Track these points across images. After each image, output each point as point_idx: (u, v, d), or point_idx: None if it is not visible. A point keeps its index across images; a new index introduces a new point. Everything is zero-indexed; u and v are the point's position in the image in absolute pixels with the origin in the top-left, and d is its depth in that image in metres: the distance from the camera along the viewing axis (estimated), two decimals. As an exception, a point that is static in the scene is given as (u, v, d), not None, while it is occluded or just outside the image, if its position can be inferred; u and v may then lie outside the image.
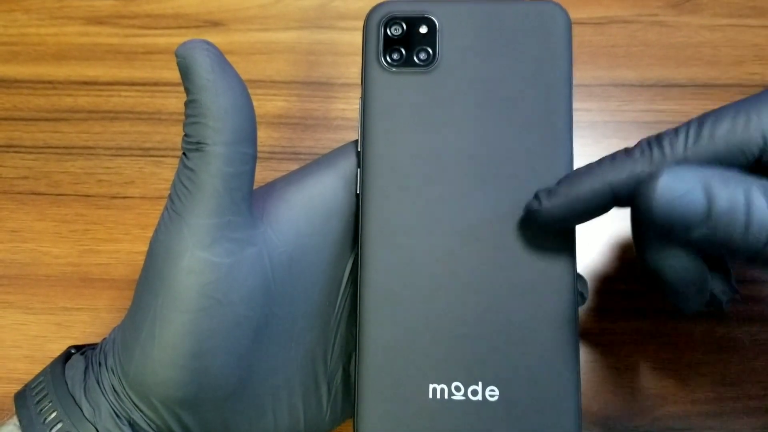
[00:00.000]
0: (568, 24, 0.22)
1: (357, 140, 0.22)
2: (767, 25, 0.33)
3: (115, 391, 0.20)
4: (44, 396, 0.21)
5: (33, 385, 0.21)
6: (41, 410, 0.20)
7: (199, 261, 0.19)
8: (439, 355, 0.21)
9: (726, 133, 0.18)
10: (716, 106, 0.19)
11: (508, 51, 0.22)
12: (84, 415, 0.20)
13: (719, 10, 0.34)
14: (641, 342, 0.29)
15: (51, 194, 0.33)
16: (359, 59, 0.23)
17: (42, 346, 0.31)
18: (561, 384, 0.21)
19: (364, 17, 0.23)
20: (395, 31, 0.22)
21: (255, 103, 0.21)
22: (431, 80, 0.22)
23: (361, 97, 0.22)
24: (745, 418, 0.28)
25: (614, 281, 0.30)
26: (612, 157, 0.19)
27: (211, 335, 0.19)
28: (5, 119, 0.34)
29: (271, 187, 0.22)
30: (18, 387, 0.22)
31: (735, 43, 0.33)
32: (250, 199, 0.21)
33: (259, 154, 0.21)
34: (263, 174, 0.32)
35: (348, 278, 0.23)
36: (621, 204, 0.19)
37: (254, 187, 0.21)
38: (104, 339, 0.22)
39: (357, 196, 0.22)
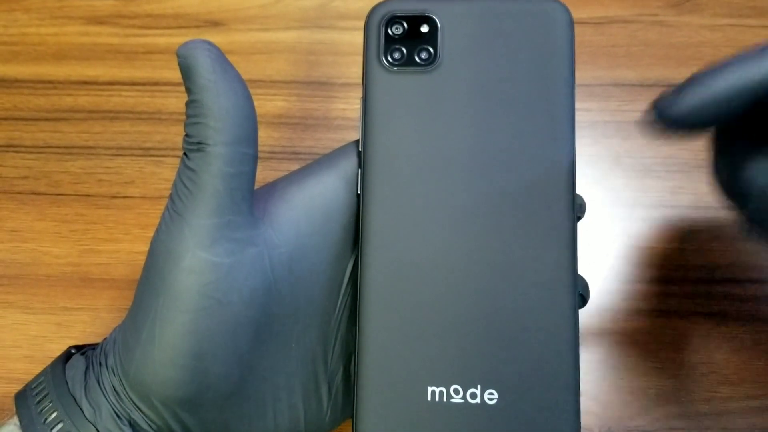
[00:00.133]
0: (571, 22, 0.21)
1: (358, 140, 0.22)
2: (767, 25, 0.33)
3: (115, 391, 0.20)
4: (45, 396, 0.21)
5: (33, 385, 0.21)
6: (42, 410, 0.20)
7: (199, 261, 0.19)
8: (438, 358, 0.21)
9: None
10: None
11: (510, 50, 0.21)
12: (84, 415, 0.20)
13: (719, 10, 0.34)
14: (641, 342, 0.29)
15: (51, 194, 0.33)
16: (359, 59, 0.23)
17: (42, 346, 0.31)
18: (560, 388, 0.20)
19: (364, 17, 0.22)
20: (396, 30, 0.22)
21: (255, 103, 0.21)
22: (433, 80, 0.22)
23: (362, 97, 0.22)
24: (745, 418, 0.28)
25: (615, 281, 0.30)
26: (748, 55, 0.18)
27: (211, 335, 0.19)
28: (5, 119, 0.34)
29: (272, 187, 0.22)
30: (18, 387, 0.22)
31: (735, 43, 0.33)
32: (251, 199, 0.21)
33: (259, 154, 0.21)
34: (263, 174, 0.32)
35: (349, 278, 0.22)
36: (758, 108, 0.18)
37: (255, 187, 0.21)
38: (105, 339, 0.22)
39: (358, 196, 0.22)
